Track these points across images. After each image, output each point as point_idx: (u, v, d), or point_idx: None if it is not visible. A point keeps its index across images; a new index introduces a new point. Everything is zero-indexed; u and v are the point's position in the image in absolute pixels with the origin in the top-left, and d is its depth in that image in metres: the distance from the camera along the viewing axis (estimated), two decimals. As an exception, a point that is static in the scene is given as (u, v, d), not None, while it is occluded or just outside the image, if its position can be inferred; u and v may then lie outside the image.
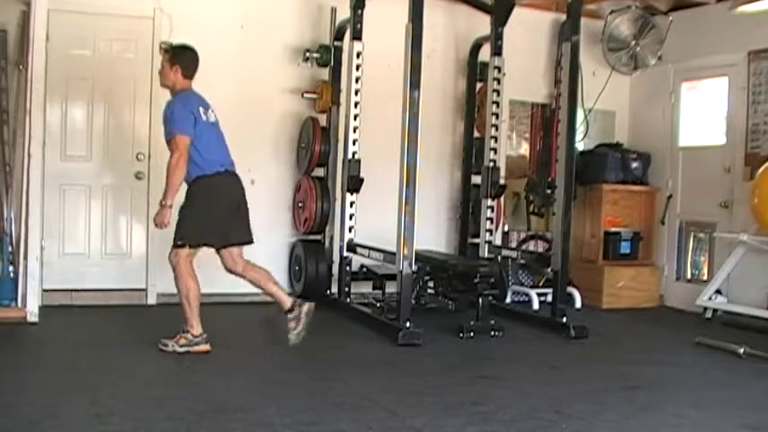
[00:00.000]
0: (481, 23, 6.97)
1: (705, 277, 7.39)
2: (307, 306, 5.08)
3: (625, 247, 7.49)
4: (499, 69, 6.78)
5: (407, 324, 5.34)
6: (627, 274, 7.42)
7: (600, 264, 7.41)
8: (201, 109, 4.97)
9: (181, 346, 4.85)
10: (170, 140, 4.85)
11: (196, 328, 4.89)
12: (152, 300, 6.44)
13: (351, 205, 6.34)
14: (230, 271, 5.17)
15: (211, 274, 6.62)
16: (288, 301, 5.09)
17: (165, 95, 6.35)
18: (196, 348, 4.85)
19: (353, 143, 6.31)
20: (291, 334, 5.05)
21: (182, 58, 5.01)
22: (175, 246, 4.89)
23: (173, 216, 4.89)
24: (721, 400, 4.39)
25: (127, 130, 6.41)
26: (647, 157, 7.70)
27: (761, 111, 6.77)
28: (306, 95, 6.77)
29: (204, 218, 4.91)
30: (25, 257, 5.61)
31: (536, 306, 6.92)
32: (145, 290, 6.44)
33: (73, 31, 6.17)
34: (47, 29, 5.71)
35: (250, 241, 5.16)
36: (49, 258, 6.11)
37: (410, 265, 5.48)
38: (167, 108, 4.93)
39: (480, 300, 5.76)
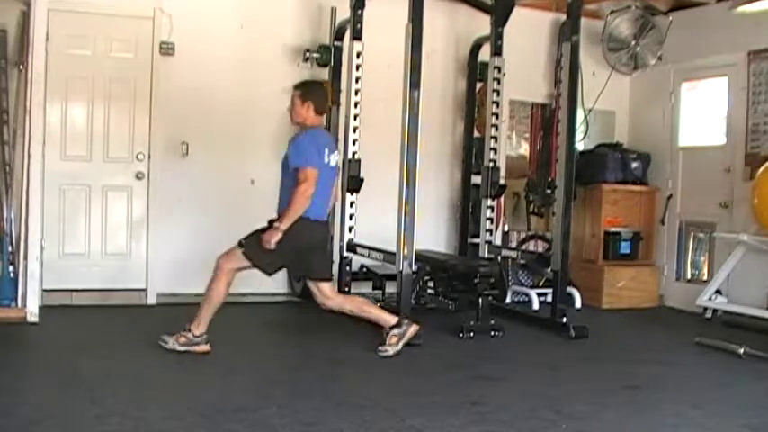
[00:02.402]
0: (481, 23, 6.96)
1: (705, 277, 7.39)
2: (415, 326, 5.06)
3: (625, 247, 7.49)
4: (499, 69, 6.78)
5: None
6: (627, 274, 7.42)
7: (600, 264, 7.41)
8: (327, 150, 4.96)
9: (181, 345, 4.85)
10: (296, 170, 4.80)
11: (200, 328, 4.88)
12: (152, 300, 6.45)
13: (351, 205, 6.34)
14: (323, 305, 5.15)
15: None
16: (393, 319, 5.07)
17: (167, 97, 6.42)
18: (195, 348, 4.85)
19: (353, 143, 6.31)
20: (387, 348, 4.99)
21: (314, 94, 5.06)
22: (238, 245, 4.86)
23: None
24: (721, 400, 4.39)
25: (127, 130, 6.41)
26: (647, 157, 7.69)
27: (761, 111, 6.77)
28: (306, 95, 6.77)
29: (276, 249, 4.80)
30: (25, 257, 5.61)
31: (536, 306, 6.93)
32: (145, 290, 6.45)
33: (73, 31, 6.17)
34: (47, 29, 5.71)
35: (326, 278, 5.13)
36: (49, 258, 6.10)
37: (410, 265, 5.49)
38: (296, 139, 4.94)
39: (480, 300, 5.75)
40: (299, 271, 5.25)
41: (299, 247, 4.87)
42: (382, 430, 3.60)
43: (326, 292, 5.09)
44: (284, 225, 4.74)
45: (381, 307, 6.07)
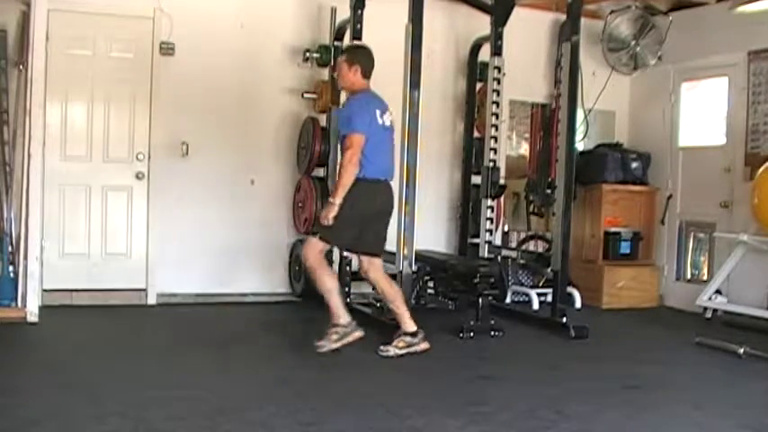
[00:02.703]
0: (481, 23, 6.96)
1: (705, 277, 7.39)
2: (425, 345, 5.04)
3: (625, 247, 7.49)
4: (499, 69, 6.77)
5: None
6: (627, 274, 7.42)
7: (600, 264, 7.41)
8: (378, 111, 4.95)
9: (335, 341, 4.88)
10: (344, 138, 4.83)
11: (343, 318, 4.92)
12: (152, 300, 6.44)
13: (351, 205, 6.34)
14: (364, 274, 5.16)
15: (210, 273, 6.67)
16: (412, 326, 5.05)
17: (167, 97, 6.42)
18: (349, 339, 4.90)
19: (353, 143, 6.30)
20: (389, 349, 4.98)
21: (360, 57, 5.03)
22: (313, 236, 4.91)
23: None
24: (721, 400, 4.39)
25: (127, 130, 6.41)
26: (647, 157, 7.70)
27: (761, 111, 6.77)
28: (306, 95, 6.77)
29: (344, 221, 4.82)
30: (25, 257, 5.61)
31: (536, 306, 6.92)
32: (145, 290, 6.44)
33: (73, 31, 6.17)
34: (47, 29, 5.72)
35: (376, 254, 5.08)
36: (48, 258, 6.11)
37: (410, 265, 5.49)
38: (344, 106, 4.95)
39: (480, 300, 5.75)
40: (354, 242, 5.07)
41: (363, 212, 4.87)
42: (382, 430, 3.60)
43: (365, 265, 5.05)
44: (338, 198, 4.76)
45: (381, 307, 6.13)
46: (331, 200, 4.81)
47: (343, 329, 4.91)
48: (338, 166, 4.80)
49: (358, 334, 4.94)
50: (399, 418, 3.75)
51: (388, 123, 5.01)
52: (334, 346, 4.88)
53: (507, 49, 6.77)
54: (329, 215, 4.76)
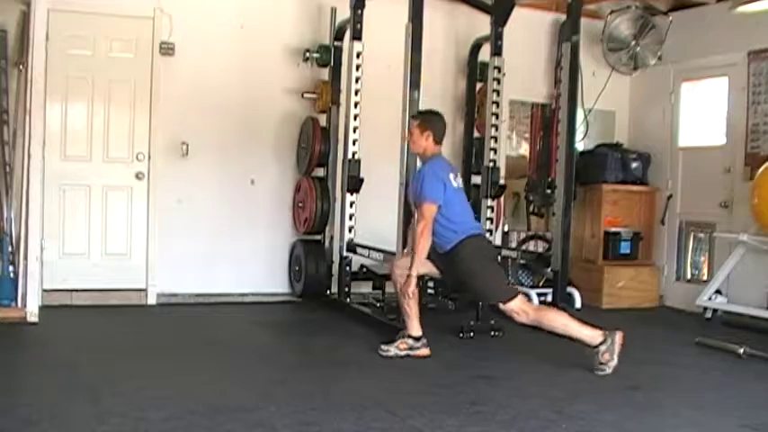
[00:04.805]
0: (481, 23, 6.96)
1: (705, 277, 7.39)
2: (426, 351, 5.02)
3: (625, 247, 7.48)
4: (499, 69, 6.77)
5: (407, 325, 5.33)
6: (627, 274, 7.42)
7: (600, 264, 7.41)
8: (451, 175, 4.99)
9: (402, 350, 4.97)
10: (418, 206, 4.90)
11: (416, 330, 5.01)
12: (152, 300, 6.44)
13: (351, 205, 6.35)
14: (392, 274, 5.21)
15: (210, 273, 6.67)
16: (418, 331, 5.03)
17: (167, 97, 6.43)
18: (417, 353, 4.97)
19: (353, 143, 6.31)
20: (390, 348, 4.99)
21: (433, 123, 5.06)
22: (505, 304, 4.83)
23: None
24: (721, 400, 4.39)
25: (127, 130, 6.40)
26: (647, 157, 7.69)
27: (761, 111, 6.77)
28: (306, 95, 6.78)
29: (497, 269, 4.97)
30: (25, 257, 5.60)
31: (536, 306, 6.92)
32: (145, 290, 6.44)
33: (73, 31, 6.17)
34: (47, 29, 5.72)
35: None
36: (48, 258, 6.10)
37: (410, 265, 5.48)
38: (419, 175, 4.98)
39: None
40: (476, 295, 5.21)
41: (490, 255, 4.97)
42: (382, 430, 3.60)
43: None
44: (415, 269, 4.81)
45: (381, 307, 6.13)
46: (408, 272, 4.82)
47: (413, 342, 4.99)
48: (414, 234, 4.91)
49: (425, 351, 4.99)
50: (399, 418, 3.75)
51: (459, 185, 5.07)
52: (401, 353, 4.96)
53: (507, 49, 6.76)
54: (409, 289, 4.82)
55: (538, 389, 4.42)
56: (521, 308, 4.83)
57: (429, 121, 5.07)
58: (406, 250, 5.28)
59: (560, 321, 4.86)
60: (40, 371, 4.41)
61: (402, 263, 5.06)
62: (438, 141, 5.06)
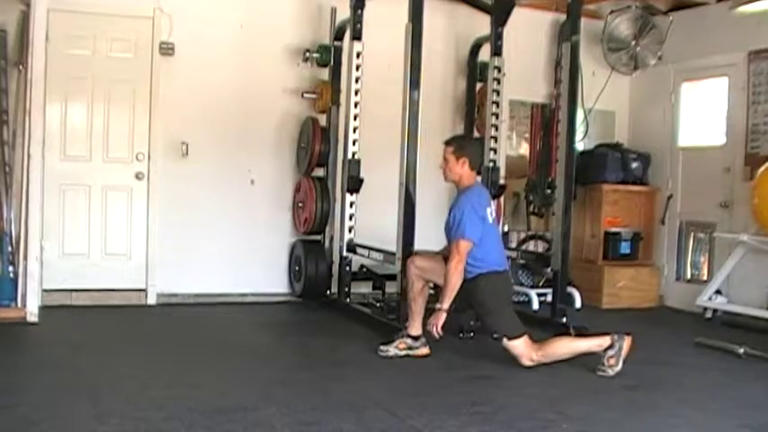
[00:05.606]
0: (481, 23, 6.97)
1: (705, 277, 7.39)
2: (426, 350, 4.98)
3: (625, 247, 7.49)
4: (499, 69, 6.78)
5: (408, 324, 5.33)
6: (627, 274, 7.42)
7: (600, 264, 7.42)
8: (488, 209, 4.89)
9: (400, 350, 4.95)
10: (453, 241, 4.79)
11: (416, 330, 4.98)
12: (152, 300, 6.44)
13: (351, 205, 6.34)
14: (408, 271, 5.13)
15: (210, 273, 6.67)
16: (418, 330, 5.00)
17: (167, 97, 6.42)
18: (416, 353, 4.95)
19: (353, 143, 6.31)
20: (390, 348, 4.97)
21: (468, 149, 4.88)
22: (510, 340, 4.78)
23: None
24: (721, 400, 4.39)
25: (127, 130, 6.40)
26: (647, 157, 7.70)
27: (761, 111, 6.77)
28: (306, 95, 6.78)
29: (510, 312, 4.86)
30: (25, 257, 5.60)
31: (536, 306, 6.91)
32: (145, 290, 6.44)
33: (73, 31, 6.17)
34: (47, 29, 5.72)
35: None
36: (48, 258, 6.10)
37: (410, 264, 5.47)
38: (458, 208, 4.83)
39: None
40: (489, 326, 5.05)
41: (480, 300, 4.84)
42: (382, 430, 3.60)
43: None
44: (445, 304, 4.73)
45: (381, 307, 6.13)
46: (439, 306, 4.75)
47: (412, 341, 4.97)
48: (447, 269, 4.77)
49: (425, 351, 4.97)
50: (399, 419, 3.75)
51: (493, 217, 4.97)
52: (400, 353, 4.94)
53: (507, 49, 6.77)
54: (438, 324, 4.74)
55: (538, 389, 4.42)
56: (523, 353, 4.75)
57: (464, 147, 4.89)
58: (434, 252, 5.20)
59: (565, 349, 4.83)
60: (40, 371, 4.41)
61: (420, 263, 5.00)
62: (474, 168, 4.87)
